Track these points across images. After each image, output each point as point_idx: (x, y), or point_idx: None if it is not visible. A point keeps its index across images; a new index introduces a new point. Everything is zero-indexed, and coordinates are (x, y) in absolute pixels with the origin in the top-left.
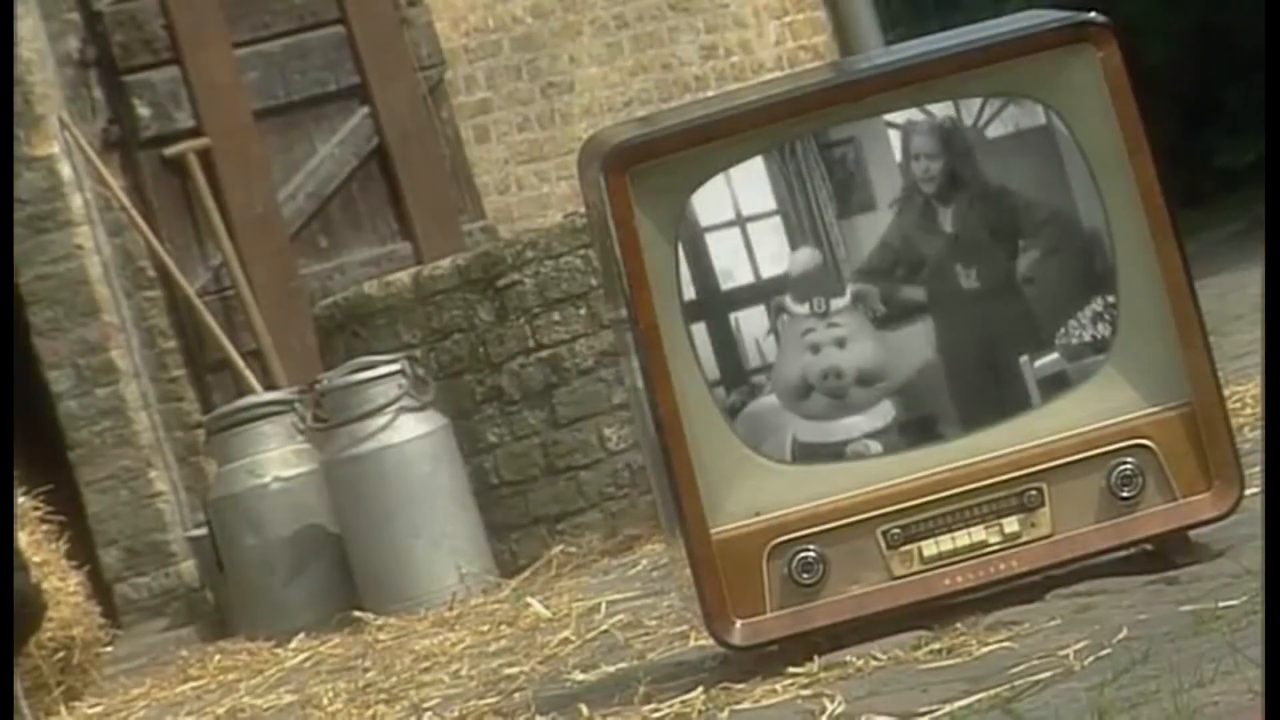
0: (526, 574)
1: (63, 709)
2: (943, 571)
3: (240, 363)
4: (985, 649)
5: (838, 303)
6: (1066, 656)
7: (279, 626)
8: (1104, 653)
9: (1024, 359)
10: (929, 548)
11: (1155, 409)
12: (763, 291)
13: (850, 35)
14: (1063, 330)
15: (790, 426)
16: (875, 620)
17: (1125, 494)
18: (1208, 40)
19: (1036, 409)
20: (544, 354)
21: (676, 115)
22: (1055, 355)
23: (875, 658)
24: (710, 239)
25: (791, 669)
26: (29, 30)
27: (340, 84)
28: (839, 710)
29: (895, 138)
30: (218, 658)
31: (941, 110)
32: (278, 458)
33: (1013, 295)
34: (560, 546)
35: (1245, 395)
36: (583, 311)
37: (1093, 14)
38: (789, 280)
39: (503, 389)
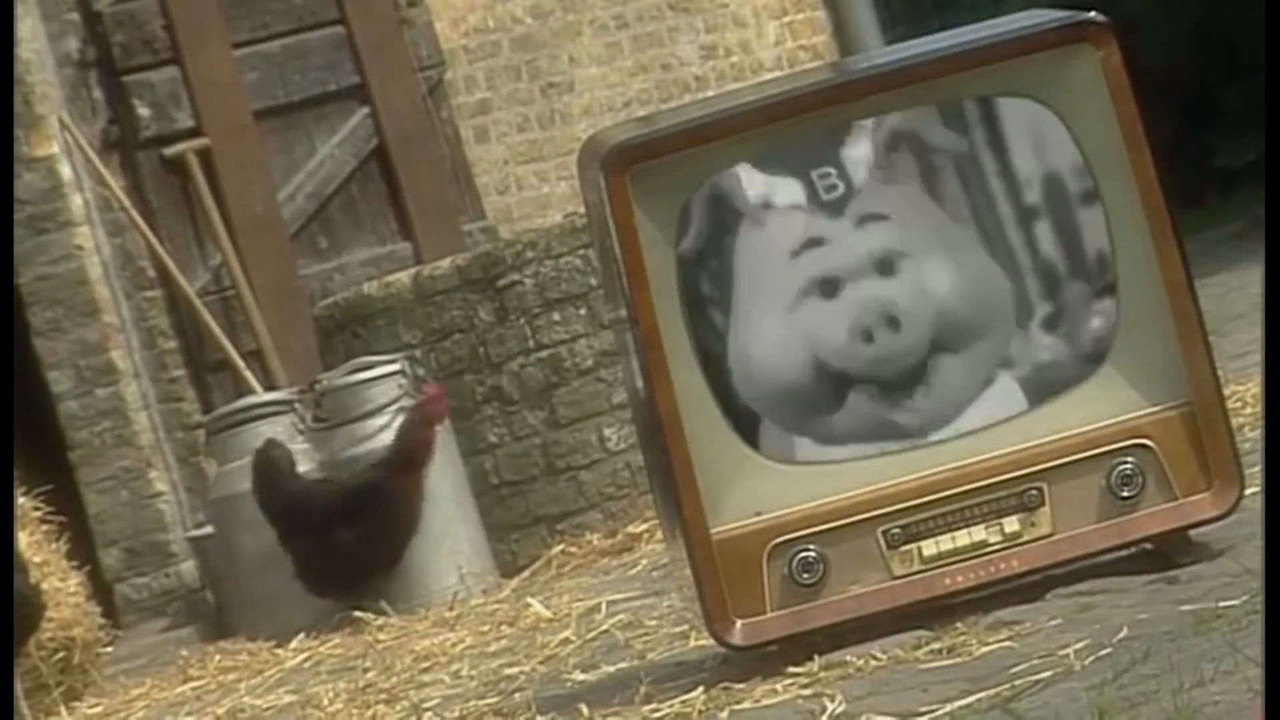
0: (527, 574)
1: (62, 709)
2: (943, 571)
3: (240, 363)
4: (985, 649)
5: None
6: (1067, 656)
7: (279, 627)
8: (1104, 652)
9: (1023, 358)
10: (929, 547)
11: (1155, 409)
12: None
13: (850, 35)
14: (1062, 330)
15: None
16: (875, 620)
17: (1125, 494)
18: (1208, 40)
19: (1035, 409)
20: (544, 354)
21: (676, 115)
22: (1055, 355)
23: (875, 658)
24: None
25: (791, 669)
26: (29, 31)
27: (340, 84)
28: (839, 710)
29: (896, 133)
30: (218, 658)
31: (941, 107)
32: None
33: (1012, 294)
34: (560, 546)
35: (1245, 395)
36: (583, 312)
37: (1092, 14)
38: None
39: (503, 389)
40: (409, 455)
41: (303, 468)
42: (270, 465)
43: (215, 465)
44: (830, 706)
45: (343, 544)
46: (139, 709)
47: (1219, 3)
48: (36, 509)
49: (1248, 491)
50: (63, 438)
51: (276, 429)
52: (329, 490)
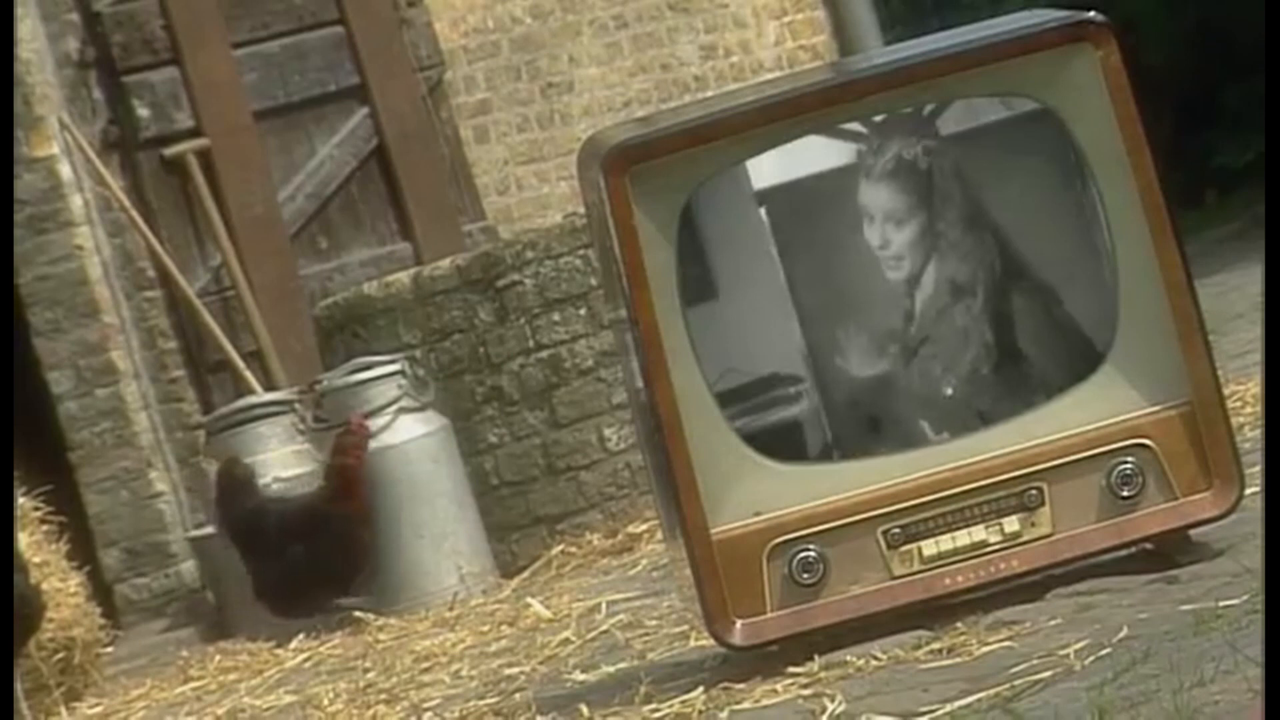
0: (527, 574)
1: (63, 710)
2: (943, 571)
3: (240, 363)
4: (985, 649)
5: None
6: (1067, 656)
7: (279, 627)
8: (1104, 652)
9: (1023, 358)
10: (929, 547)
11: (1155, 408)
12: None
13: (849, 35)
14: (1062, 330)
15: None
16: (875, 620)
17: (1125, 493)
18: (1208, 40)
19: (1036, 409)
20: (544, 354)
21: (676, 115)
22: (1054, 355)
23: (875, 658)
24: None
25: (792, 669)
26: (28, 31)
27: (339, 84)
28: (839, 710)
29: (900, 138)
30: (218, 658)
31: (939, 110)
32: (278, 459)
33: (1012, 295)
34: (560, 547)
35: (1245, 394)
36: (582, 312)
37: (1092, 13)
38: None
39: (503, 389)
40: (339, 484)
41: (281, 474)
42: (233, 482)
43: (215, 465)
44: (830, 706)
45: (296, 561)
46: (139, 709)
47: (1219, 3)
48: (36, 509)
49: (1248, 491)
50: (63, 438)
51: (276, 429)
52: (283, 507)
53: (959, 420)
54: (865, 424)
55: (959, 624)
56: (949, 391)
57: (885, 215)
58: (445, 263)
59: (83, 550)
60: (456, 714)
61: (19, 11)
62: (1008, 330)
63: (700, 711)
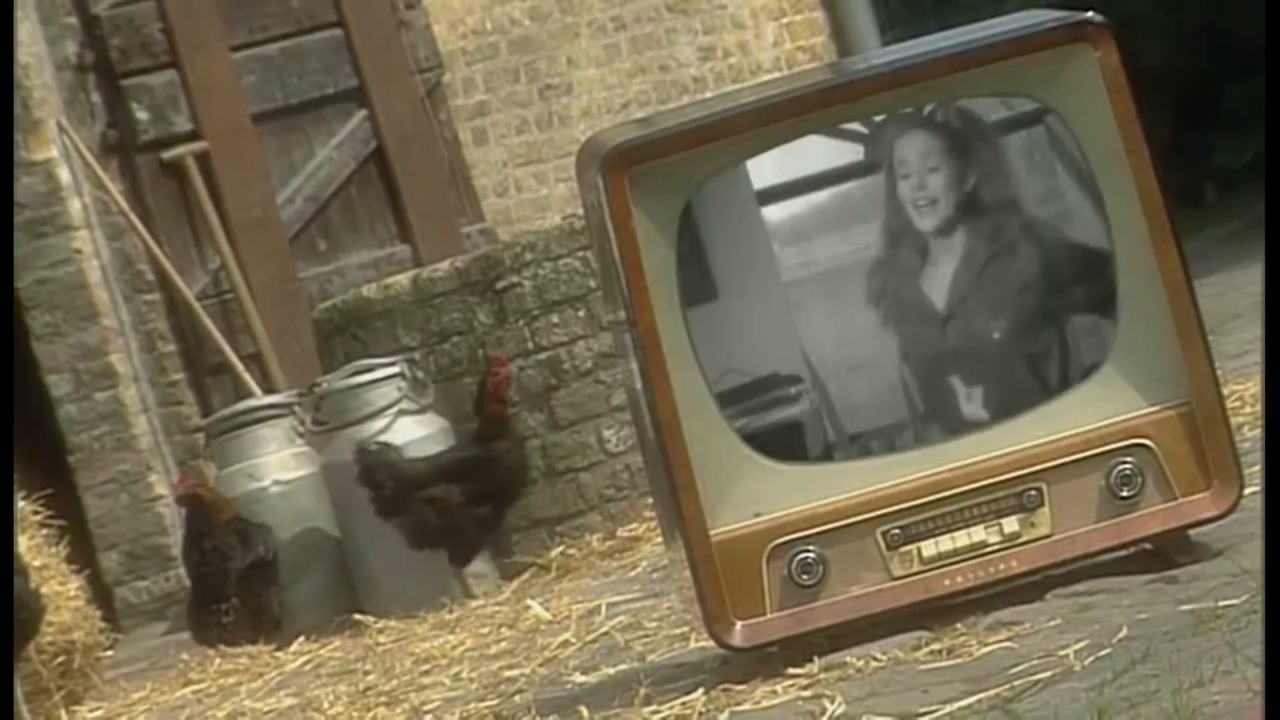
0: (526, 576)
1: (63, 713)
2: (942, 572)
3: (239, 366)
4: (985, 649)
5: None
6: (1066, 656)
7: (279, 629)
8: (1104, 652)
9: (1023, 359)
10: (929, 548)
11: (1155, 409)
12: None
13: (848, 36)
14: (1062, 330)
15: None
16: (875, 621)
17: (1125, 494)
18: (1207, 40)
19: (1036, 409)
20: (543, 356)
21: (675, 117)
22: (1055, 355)
23: (875, 658)
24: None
25: (791, 670)
26: (27, 34)
27: (338, 87)
28: (839, 711)
29: (899, 139)
30: (218, 661)
31: (942, 113)
32: (277, 461)
33: (1012, 294)
34: (560, 548)
35: (1244, 394)
36: (581, 314)
37: (1090, 14)
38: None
39: None
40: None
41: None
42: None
43: (215, 468)
44: (830, 708)
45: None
46: (139, 712)
47: (1219, 2)
48: (36, 513)
49: (1247, 491)
50: (62, 441)
51: (276, 432)
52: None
53: (958, 420)
54: (865, 425)
55: (959, 625)
56: (949, 390)
57: (921, 161)
58: (444, 265)
59: (82, 553)
60: (456, 716)
61: (18, 15)
62: (1007, 329)
63: (700, 713)
